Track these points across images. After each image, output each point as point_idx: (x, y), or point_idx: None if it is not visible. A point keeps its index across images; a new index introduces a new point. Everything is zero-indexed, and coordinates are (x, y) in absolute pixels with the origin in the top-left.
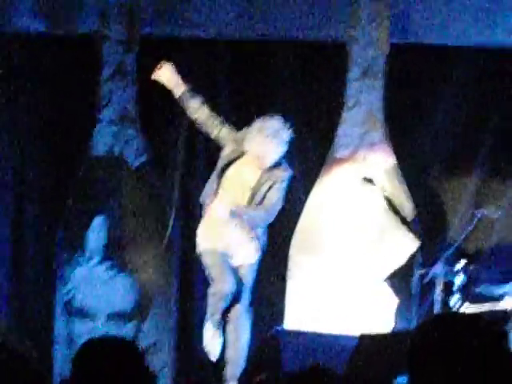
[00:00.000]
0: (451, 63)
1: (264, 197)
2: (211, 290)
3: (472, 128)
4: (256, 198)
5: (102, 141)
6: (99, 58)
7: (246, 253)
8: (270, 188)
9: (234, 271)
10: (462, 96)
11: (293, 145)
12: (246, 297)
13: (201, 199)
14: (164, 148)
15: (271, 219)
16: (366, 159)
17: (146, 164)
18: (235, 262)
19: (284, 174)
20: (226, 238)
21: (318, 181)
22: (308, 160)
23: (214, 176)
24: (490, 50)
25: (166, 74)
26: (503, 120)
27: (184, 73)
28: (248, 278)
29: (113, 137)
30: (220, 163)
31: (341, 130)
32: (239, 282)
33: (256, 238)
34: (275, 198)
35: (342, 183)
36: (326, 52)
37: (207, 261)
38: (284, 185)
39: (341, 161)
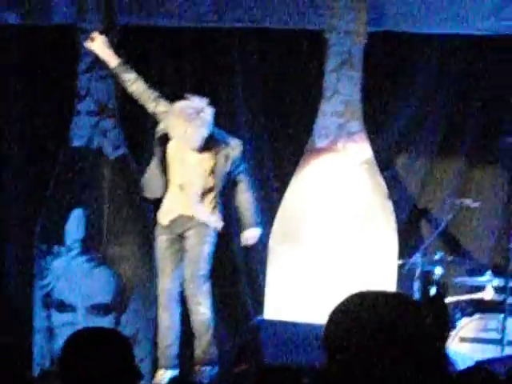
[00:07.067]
0: (427, 51)
1: (232, 178)
2: None
3: (451, 116)
4: (221, 183)
5: (80, 132)
6: (77, 49)
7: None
8: (232, 170)
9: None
10: (441, 84)
11: (271, 136)
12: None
13: (147, 194)
14: (142, 139)
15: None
16: (344, 149)
17: (125, 155)
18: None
19: (238, 150)
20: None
21: (297, 171)
22: (287, 150)
23: (155, 163)
24: (466, 37)
25: (99, 46)
26: (482, 108)
27: (162, 61)
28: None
29: (91, 128)
30: (156, 139)
31: (319, 121)
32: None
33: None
34: (246, 178)
35: (321, 173)
36: (304, 41)
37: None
38: (242, 156)
39: (320, 151)
